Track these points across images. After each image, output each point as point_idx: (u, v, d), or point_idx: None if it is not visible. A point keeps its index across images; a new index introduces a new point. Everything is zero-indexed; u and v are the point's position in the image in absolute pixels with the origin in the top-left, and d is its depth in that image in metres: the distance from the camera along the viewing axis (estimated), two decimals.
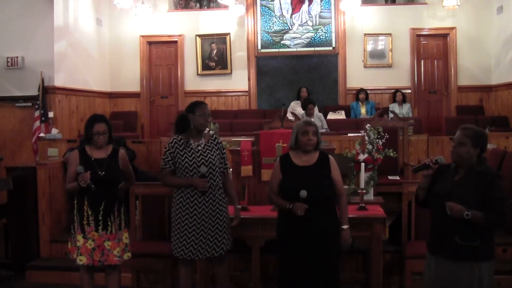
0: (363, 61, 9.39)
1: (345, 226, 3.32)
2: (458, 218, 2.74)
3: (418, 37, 9.42)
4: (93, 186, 3.49)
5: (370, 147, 4.48)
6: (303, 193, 3.14)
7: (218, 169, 3.59)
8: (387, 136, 4.68)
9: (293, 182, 3.26)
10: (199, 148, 3.56)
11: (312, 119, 7.12)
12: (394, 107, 8.67)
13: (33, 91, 7.45)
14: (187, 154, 3.53)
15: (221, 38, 9.57)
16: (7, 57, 7.54)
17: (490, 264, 2.84)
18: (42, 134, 7.05)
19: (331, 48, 9.58)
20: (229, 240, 3.68)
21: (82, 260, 3.57)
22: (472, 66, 9.25)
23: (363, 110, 8.84)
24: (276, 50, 9.68)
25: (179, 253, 3.56)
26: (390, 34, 9.34)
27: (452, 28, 9.26)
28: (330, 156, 3.41)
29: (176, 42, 9.75)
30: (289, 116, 6.85)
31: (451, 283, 2.85)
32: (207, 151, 3.57)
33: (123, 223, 3.72)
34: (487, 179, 2.82)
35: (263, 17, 9.68)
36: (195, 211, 3.51)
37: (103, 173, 3.59)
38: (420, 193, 3.05)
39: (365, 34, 9.35)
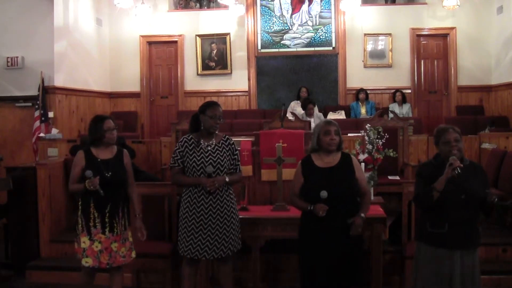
0: (363, 61, 9.39)
1: (362, 214, 3.21)
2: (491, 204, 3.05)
3: (418, 37, 9.42)
4: (102, 191, 3.45)
5: (370, 147, 4.47)
6: (324, 193, 3.12)
7: (227, 170, 3.56)
8: (387, 136, 4.67)
9: (316, 184, 3.21)
10: (209, 148, 3.55)
11: (312, 119, 7.12)
12: (394, 107, 8.67)
13: (33, 91, 7.45)
14: (196, 153, 3.53)
15: (221, 38, 9.57)
16: (7, 57, 7.54)
17: None
18: (42, 134, 7.05)
19: (331, 48, 9.58)
20: (238, 241, 3.67)
21: (88, 262, 3.53)
22: (472, 66, 9.25)
23: (363, 110, 8.84)
24: (276, 50, 9.68)
25: (186, 252, 3.54)
26: (390, 34, 9.34)
27: (452, 28, 9.26)
28: (352, 156, 3.39)
29: (176, 42, 9.75)
30: (289, 116, 6.84)
31: (471, 271, 3.08)
32: (217, 151, 3.55)
33: (127, 222, 3.71)
34: (482, 172, 3.19)
35: (263, 17, 9.68)
36: (202, 211, 3.50)
37: (110, 174, 3.56)
38: (436, 195, 3.04)
39: (365, 34, 9.35)
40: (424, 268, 3.16)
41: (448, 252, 3.06)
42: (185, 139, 3.60)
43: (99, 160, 3.58)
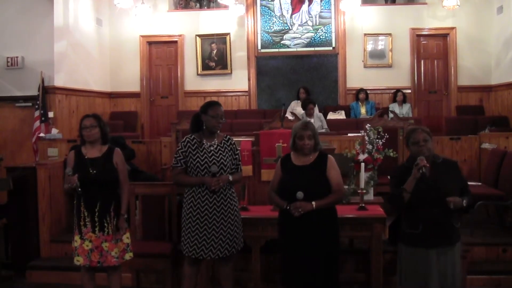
0: (363, 61, 9.39)
1: (314, 203, 3.19)
2: (458, 208, 3.05)
3: (418, 37, 9.42)
4: (79, 189, 3.48)
5: (370, 147, 4.47)
6: (300, 194, 3.18)
7: (230, 169, 3.58)
8: (387, 136, 4.67)
9: (289, 181, 3.31)
10: (211, 148, 3.56)
11: (312, 119, 7.12)
12: (394, 107, 8.67)
13: (33, 91, 7.45)
14: (199, 153, 3.53)
15: (221, 38, 9.58)
16: (7, 57, 7.54)
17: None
18: (42, 134, 7.05)
19: (331, 48, 9.58)
20: (241, 239, 3.68)
21: (79, 260, 3.58)
22: (472, 66, 9.25)
23: (363, 110, 8.84)
24: (276, 50, 9.68)
25: (190, 253, 3.55)
26: (390, 34, 9.34)
27: (452, 28, 9.26)
28: (329, 156, 3.42)
29: (176, 42, 9.75)
30: (289, 116, 6.86)
31: (451, 268, 3.10)
32: (219, 151, 3.57)
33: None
34: (456, 168, 3.24)
35: (263, 17, 9.68)
36: (206, 211, 3.51)
37: (95, 172, 3.56)
38: (406, 196, 3.12)
39: (365, 34, 9.35)
40: (405, 268, 3.22)
41: (425, 251, 3.10)
42: (187, 139, 3.60)
43: (86, 158, 3.61)
